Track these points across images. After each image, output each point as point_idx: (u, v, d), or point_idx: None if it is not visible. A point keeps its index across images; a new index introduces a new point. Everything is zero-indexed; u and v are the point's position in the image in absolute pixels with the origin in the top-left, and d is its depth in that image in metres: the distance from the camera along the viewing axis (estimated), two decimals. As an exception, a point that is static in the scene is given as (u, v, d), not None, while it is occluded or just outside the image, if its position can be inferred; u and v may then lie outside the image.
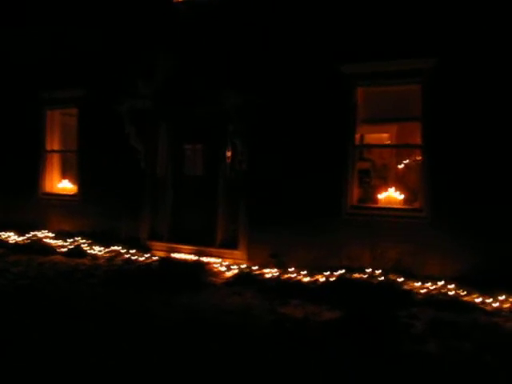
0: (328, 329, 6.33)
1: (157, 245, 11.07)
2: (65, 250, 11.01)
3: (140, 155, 11.17)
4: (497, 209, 8.18)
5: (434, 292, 7.88)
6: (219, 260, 10.01)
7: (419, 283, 8.17)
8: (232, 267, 9.53)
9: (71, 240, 11.60)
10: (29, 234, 12.20)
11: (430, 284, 8.10)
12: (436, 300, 7.52)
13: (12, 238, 12.07)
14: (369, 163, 11.63)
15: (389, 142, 11.72)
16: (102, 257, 10.59)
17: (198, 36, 10.49)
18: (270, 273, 9.10)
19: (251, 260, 9.89)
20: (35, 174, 13.21)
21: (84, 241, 11.51)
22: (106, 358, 5.21)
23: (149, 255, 10.51)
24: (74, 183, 12.94)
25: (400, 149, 11.53)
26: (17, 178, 13.38)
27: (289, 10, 9.86)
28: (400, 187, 9.69)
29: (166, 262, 9.70)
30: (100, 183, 12.02)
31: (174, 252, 10.64)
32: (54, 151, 13.36)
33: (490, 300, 7.43)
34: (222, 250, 10.37)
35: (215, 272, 9.34)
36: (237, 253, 10.19)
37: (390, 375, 4.98)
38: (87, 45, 12.11)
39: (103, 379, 4.75)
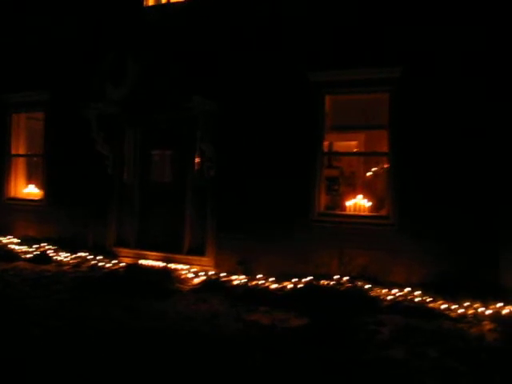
0: (295, 336, 6.34)
1: (124, 251, 10.95)
2: (30, 256, 10.83)
3: (107, 161, 11.04)
4: (460, 216, 8.27)
5: (400, 299, 7.92)
6: (187, 267, 9.93)
7: (386, 290, 8.20)
8: (199, 274, 9.47)
9: (37, 246, 11.37)
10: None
11: (396, 291, 8.14)
12: (402, 307, 7.58)
13: (-26, 244, 11.82)
14: (337, 170, 11.71)
15: (357, 149, 11.81)
16: (67, 263, 10.44)
17: (167, 41, 10.43)
18: (238, 280, 9.06)
19: (219, 267, 9.84)
20: (1, 179, 12.98)
21: (50, 247, 11.30)
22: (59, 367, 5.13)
23: (116, 262, 10.38)
24: (40, 188, 12.71)
25: (368, 156, 11.63)
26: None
27: (258, 17, 9.87)
28: (368, 194, 9.74)
29: (133, 268, 9.61)
30: (67, 189, 11.84)
31: (141, 258, 10.53)
32: (19, 155, 13.13)
33: (455, 306, 7.50)
34: (189, 257, 10.28)
35: (182, 279, 9.27)
36: (204, 259, 10.13)
37: (354, 380, 4.99)
38: (55, 47, 11.96)
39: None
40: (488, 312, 7.28)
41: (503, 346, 6.13)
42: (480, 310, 7.37)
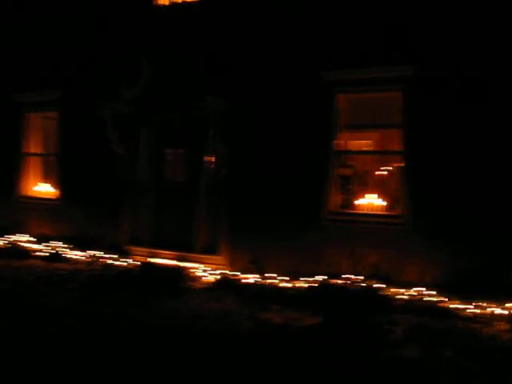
0: (308, 335, 6.32)
1: (137, 250, 11.00)
2: (44, 254, 10.92)
3: (121, 160, 11.10)
4: (474, 216, 8.22)
5: (413, 298, 7.91)
6: (200, 265, 9.97)
7: (399, 289, 8.18)
8: (212, 273, 9.50)
9: (51, 244, 11.48)
10: (9, 238, 12.07)
11: (409, 290, 8.12)
12: (416, 306, 7.56)
13: (-9, 242, 11.92)
14: (350, 169, 11.62)
15: (371, 148, 11.75)
16: (81, 261, 10.53)
17: (180, 41, 10.47)
18: (250, 278, 9.09)
19: (232, 266, 9.86)
20: (14, 178, 13.08)
21: (64, 245, 11.40)
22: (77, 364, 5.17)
23: (129, 260, 10.45)
24: (54, 187, 12.82)
25: (381, 155, 11.56)
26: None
27: (271, 16, 9.88)
28: (381, 194, 9.70)
29: (147, 267, 9.64)
30: (81, 187, 11.92)
31: (154, 257, 10.57)
32: (33, 154, 13.25)
33: (469, 306, 7.48)
34: (202, 256, 10.31)
35: (195, 277, 9.32)
36: (218, 258, 10.15)
37: (368, 379, 4.98)
38: (68, 46, 12.04)
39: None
40: (502, 312, 7.27)
41: (517, 345, 6.10)
42: (494, 310, 7.35)
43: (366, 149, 11.82)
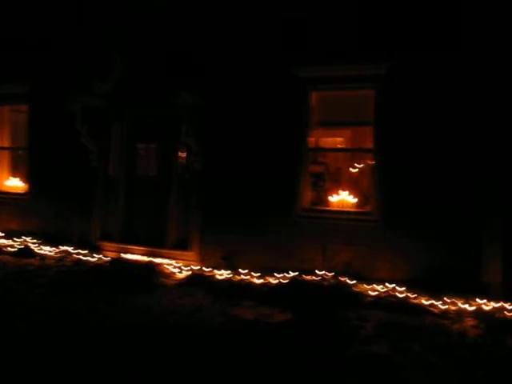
0: (279, 331, 6.34)
1: (108, 245, 10.90)
2: (13, 249, 10.76)
3: (92, 154, 10.99)
4: (445, 213, 8.32)
5: (384, 294, 7.99)
6: (171, 261, 9.93)
7: (370, 285, 8.27)
8: (184, 268, 9.47)
9: (20, 240, 11.32)
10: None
11: (380, 286, 8.21)
12: (386, 302, 7.64)
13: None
14: (323, 166, 11.69)
15: (343, 145, 11.83)
16: (51, 257, 10.40)
17: (153, 36, 10.38)
18: (222, 274, 9.08)
19: (203, 261, 9.84)
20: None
21: (34, 241, 11.26)
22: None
23: (100, 256, 10.34)
24: (24, 181, 12.61)
25: (353, 153, 11.65)
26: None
27: (243, 12, 9.85)
28: (353, 191, 9.76)
29: (118, 262, 9.60)
30: (51, 182, 11.76)
31: (125, 253, 10.49)
32: (1, 148, 13.01)
33: (439, 302, 7.58)
34: (174, 252, 10.26)
35: (167, 273, 9.28)
36: (189, 254, 10.11)
37: (337, 375, 5.01)
38: (38, 38, 11.84)
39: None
40: (471, 308, 7.38)
41: (485, 341, 6.19)
42: (463, 306, 7.46)
43: (339, 146, 11.92)
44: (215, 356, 5.39)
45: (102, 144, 11.01)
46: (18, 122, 13.02)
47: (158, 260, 9.99)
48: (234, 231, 9.63)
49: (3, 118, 13.06)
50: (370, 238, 8.81)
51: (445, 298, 7.64)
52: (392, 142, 8.74)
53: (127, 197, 11.11)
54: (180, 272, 9.35)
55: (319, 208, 9.59)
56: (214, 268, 9.42)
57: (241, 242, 9.56)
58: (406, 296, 7.88)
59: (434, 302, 7.61)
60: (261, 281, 8.72)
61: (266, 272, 8.97)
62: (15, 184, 12.77)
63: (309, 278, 8.56)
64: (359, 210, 9.35)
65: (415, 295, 7.87)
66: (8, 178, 12.97)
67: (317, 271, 8.79)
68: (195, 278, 8.91)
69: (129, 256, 10.31)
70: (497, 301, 7.53)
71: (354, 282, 8.35)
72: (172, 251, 10.28)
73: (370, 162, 9.49)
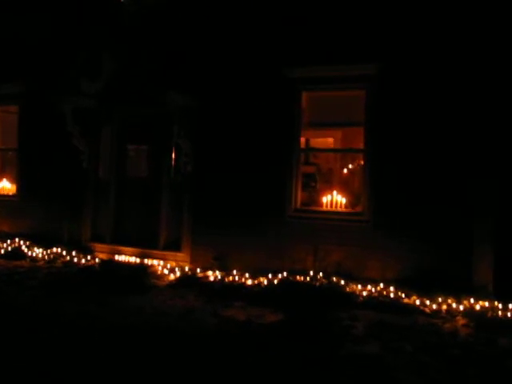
0: (270, 331, 6.34)
1: (99, 247, 10.86)
2: (3, 251, 10.70)
3: (83, 155, 10.94)
4: (435, 213, 8.35)
5: (375, 294, 8.00)
6: (163, 262, 9.91)
7: (361, 285, 8.28)
8: (175, 270, 9.44)
9: (10, 241, 11.25)
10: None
11: (371, 286, 8.21)
12: (377, 302, 7.67)
13: None
14: (314, 167, 11.74)
15: (334, 146, 11.86)
16: (42, 259, 10.36)
17: (144, 37, 10.33)
18: (214, 275, 9.06)
19: (195, 262, 9.82)
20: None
21: (24, 242, 11.16)
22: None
23: (91, 257, 10.32)
24: (14, 183, 12.54)
25: (345, 153, 11.69)
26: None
27: (235, 13, 9.85)
28: (344, 191, 9.78)
29: (109, 264, 9.56)
30: (41, 183, 11.72)
31: (116, 254, 10.46)
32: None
33: (429, 302, 7.59)
34: (165, 253, 10.23)
35: (158, 274, 9.26)
36: (180, 255, 10.09)
37: (328, 375, 5.02)
38: (29, 39, 11.79)
39: None
40: (461, 307, 7.40)
41: (476, 341, 6.22)
42: (453, 305, 7.48)
43: (330, 147, 11.96)
44: (207, 357, 5.38)
45: (93, 145, 10.97)
46: (7, 122, 12.94)
47: (149, 261, 9.97)
48: (225, 232, 9.63)
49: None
50: (362, 238, 8.83)
51: (435, 298, 7.66)
52: (383, 143, 8.76)
53: (118, 198, 11.06)
54: (172, 273, 9.33)
55: (311, 208, 9.60)
56: (205, 269, 9.40)
57: (232, 243, 9.56)
58: (398, 296, 7.89)
59: (424, 301, 7.63)
60: (252, 281, 8.71)
61: (257, 272, 8.96)
62: (4, 185, 12.71)
63: (300, 278, 8.55)
64: (350, 210, 9.37)
65: (406, 295, 7.88)
66: (-1, 180, 12.92)
67: (309, 271, 8.79)
68: (187, 279, 8.90)
69: (120, 257, 10.29)
70: (488, 300, 7.55)
71: (345, 281, 8.35)
72: (163, 252, 10.26)
73: (361, 163, 9.51)
